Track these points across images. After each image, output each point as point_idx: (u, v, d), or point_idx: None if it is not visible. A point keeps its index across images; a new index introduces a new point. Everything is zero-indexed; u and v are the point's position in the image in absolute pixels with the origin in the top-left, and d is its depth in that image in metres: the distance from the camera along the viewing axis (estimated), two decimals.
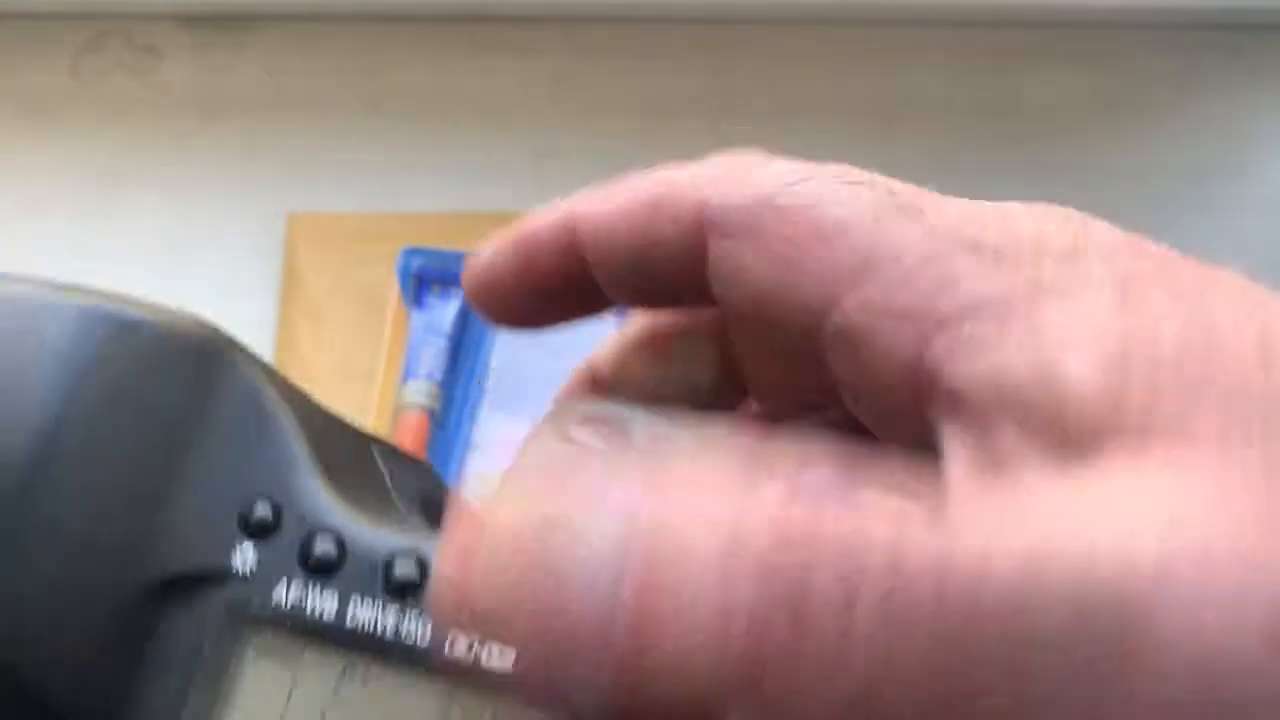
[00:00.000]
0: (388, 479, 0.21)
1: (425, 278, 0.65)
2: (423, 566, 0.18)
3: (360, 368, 0.63)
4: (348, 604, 0.18)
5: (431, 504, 0.21)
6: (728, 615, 0.11)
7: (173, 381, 0.19)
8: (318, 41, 0.74)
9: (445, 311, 0.64)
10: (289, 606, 0.18)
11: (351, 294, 0.65)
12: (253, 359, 0.20)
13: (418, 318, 0.64)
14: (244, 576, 0.18)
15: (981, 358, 0.13)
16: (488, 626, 0.12)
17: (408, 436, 0.60)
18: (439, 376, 0.62)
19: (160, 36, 0.74)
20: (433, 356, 0.62)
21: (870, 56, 0.74)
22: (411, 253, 0.65)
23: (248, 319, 0.64)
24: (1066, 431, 0.12)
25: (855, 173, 0.17)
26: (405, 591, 0.18)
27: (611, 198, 0.19)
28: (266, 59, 0.73)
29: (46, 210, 0.68)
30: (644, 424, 0.12)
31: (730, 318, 0.17)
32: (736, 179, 0.19)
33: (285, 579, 0.18)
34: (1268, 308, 0.14)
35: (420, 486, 0.21)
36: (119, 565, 0.18)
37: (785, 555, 0.11)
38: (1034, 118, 0.72)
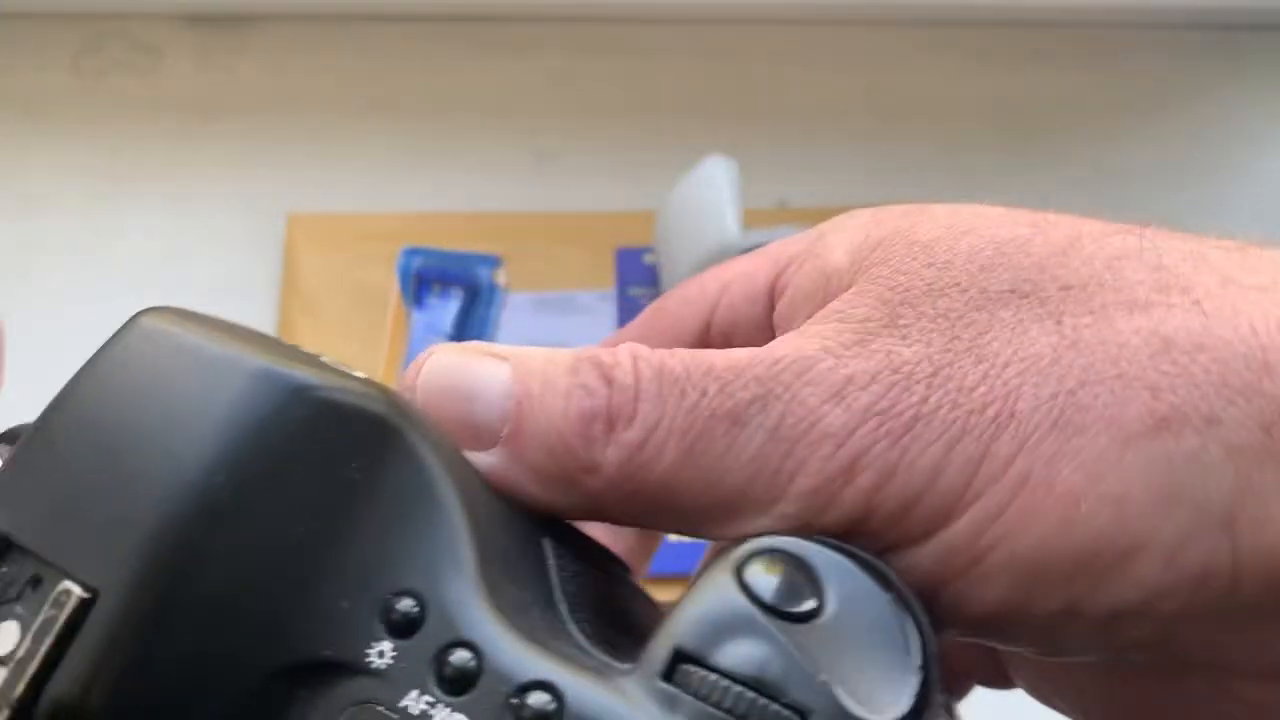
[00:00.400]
0: (555, 581, 0.19)
1: (425, 277, 0.65)
2: (558, 699, 0.16)
3: (360, 367, 0.62)
4: None
5: (605, 612, 0.19)
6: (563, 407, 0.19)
7: (340, 454, 0.18)
8: (318, 41, 0.74)
9: (445, 311, 0.64)
10: (415, 715, 0.17)
11: (351, 294, 0.65)
12: (430, 436, 0.19)
13: (418, 317, 0.64)
14: (377, 673, 0.17)
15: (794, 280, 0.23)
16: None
17: None
18: None
19: (160, 36, 0.74)
20: None
21: (870, 56, 0.74)
22: (411, 253, 0.65)
23: (248, 319, 0.64)
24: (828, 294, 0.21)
25: None
26: None
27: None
28: (266, 59, 0.73)
29: (46, 210, 0.68)
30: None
31: None
32: None
33: (417, 688, 0.17)
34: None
35: (596, 591, 0.20)
36: (257, 640, 0.17)
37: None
38: (1034, 118, 0.72)
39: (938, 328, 0.19)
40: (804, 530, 0.18)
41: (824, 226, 0.23)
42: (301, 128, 0.71)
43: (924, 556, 0.18)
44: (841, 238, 0.22)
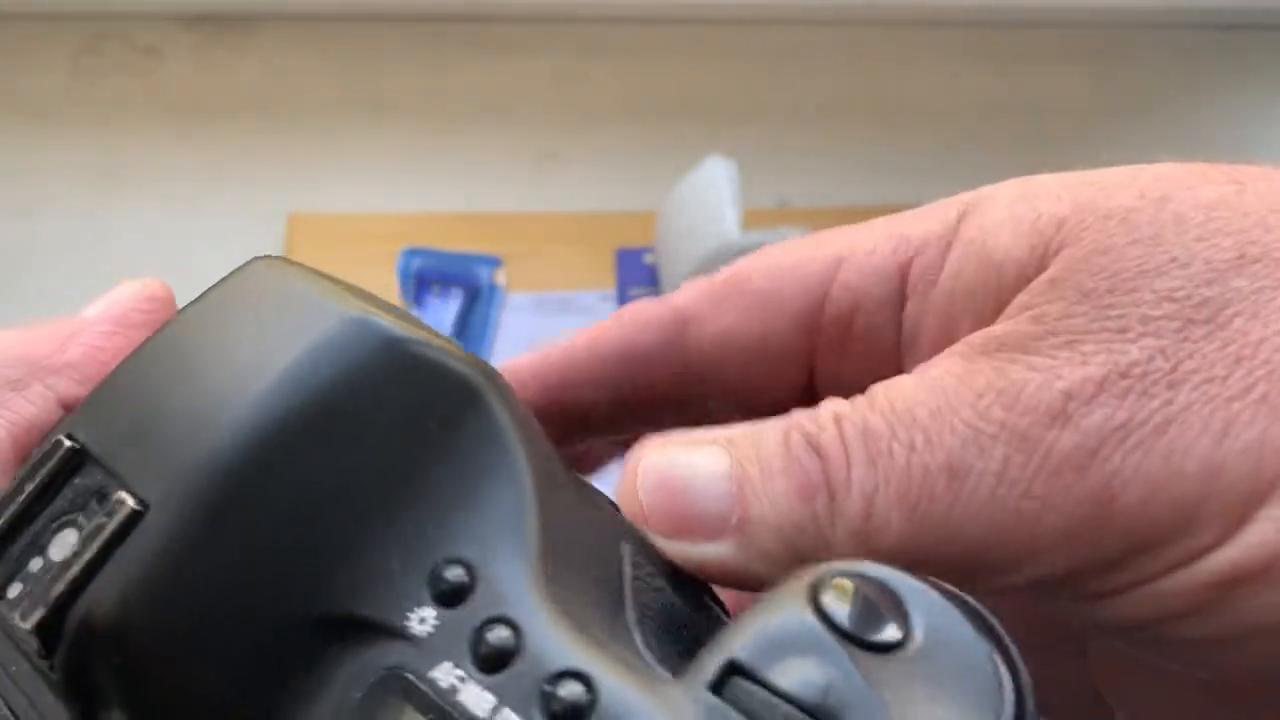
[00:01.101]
0: (628, 589, 0.18)
1: (425, 278, 0.65)
2: (593, 693, 0.15)
3: None
4: (498, 712, 0.16)
5: (676, 632, 0.18)
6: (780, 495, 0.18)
7: (421, 410, 0.18)
8: (318, 41, 0.74)
9: (445, 311, 0.64)
10: (444, 688, 0.16)
11: None
12: (516, 412, 0.18)
13: (418, 317, 0.64)
14: (414, 639, 0.17)
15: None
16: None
17: None
18: None
19: (160, 36, 0.74)
20: None
21: (870, 56, 0.74)
22: (411, 253, 0.65)
23: None
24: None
25: None
26: (559, 717, 0.16)
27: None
28: (266, 59, 0.73)
29: (46, 210, 0.68)
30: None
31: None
32: None
33: (451, 660, 0.16)
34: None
35: (673, 610, 0.19)
36: (299, 586, 0.17)
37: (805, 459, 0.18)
38: (1034, 118, 0.72)
39: (1165, 313, 0.17)
40: (1076, 578, 0.17)
41: (963, 202, 0.20)
42: (301, 128, 0.71)
43: (1221, 562, 0.16)
44: (1000, 216, 0.19)
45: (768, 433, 0.19)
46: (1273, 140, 0.72)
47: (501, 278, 0.65)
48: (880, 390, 0.18)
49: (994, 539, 0.17)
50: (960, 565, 0.17)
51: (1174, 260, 0.17)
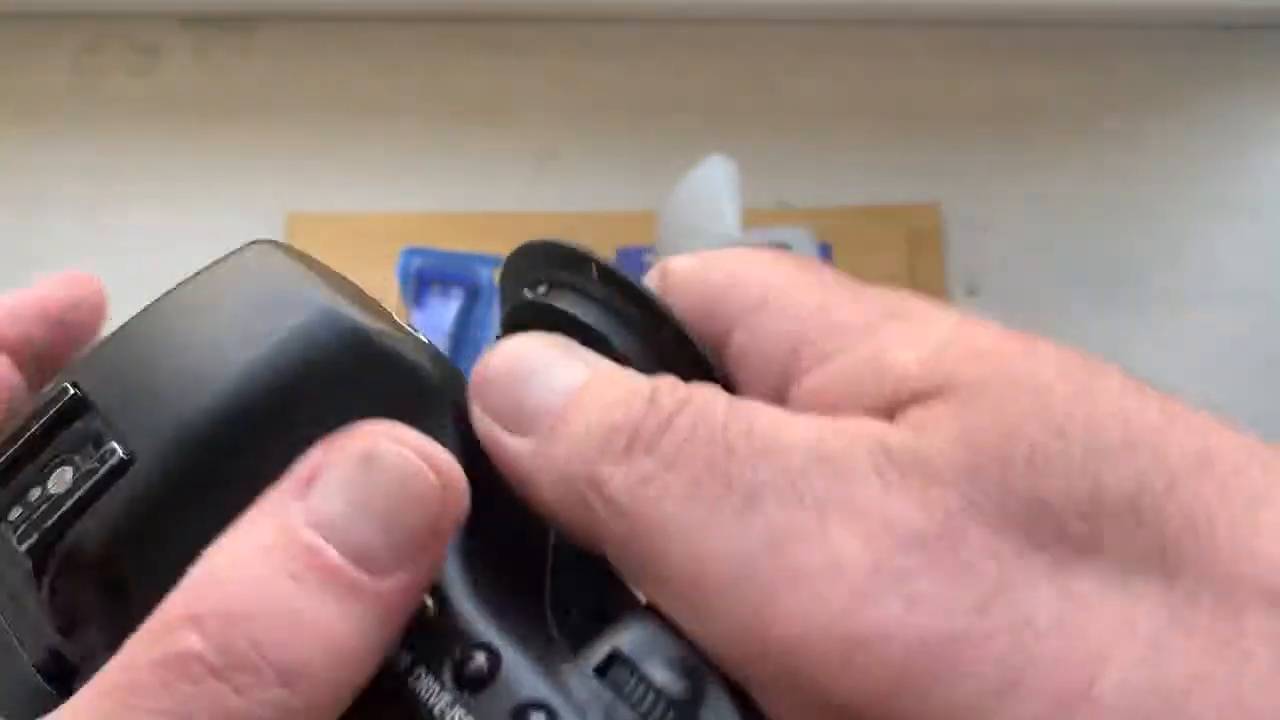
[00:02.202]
0: (549, 562, 0.20)
1: (425, 278, 0.65)
2: (496, 661, 0.18)
3: None
4: (414, 669, 0.18)
5: (593, 611, 0.19)
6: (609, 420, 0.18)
7: (375, 399, 0.19)
8: (318, 41, 0.74)
9: (445, 311, 0.64)
10: None
11: None
12: (464, 411, 0.20)
13: (418, 317, 0.64)
14: None
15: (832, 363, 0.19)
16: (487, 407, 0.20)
17: None
18: None
19: (160, 36, 0.74)
20: None
21: (870, 56, 0.74)
22: (411, 253, 0.65)
23: None
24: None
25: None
26: (464, 680, 0.18)
27: None
28: (266, 59, 0.73)
29: (46, 210, 0.68)
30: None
31: None
32: None
33: None
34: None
35: (594, 598, 0.20)
36: None
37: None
38: (1034, 118, 0.72)
39: (1018, 524, 0.15)
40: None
41: (882, 309, 0.19)
42: (301, 128, 0.71)
43: None
44: (909, 332, 0.18)
45: (633, 376, 0.19)
46: (1273, 140, 0.72)
47: None
48: (754, 401, 0.18)
49: (733, 588, 0.16)
50: (692, 583, 0.17)
51: (1064, 472, 0.16)
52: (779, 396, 0.19)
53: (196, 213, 0.68)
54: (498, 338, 0.21)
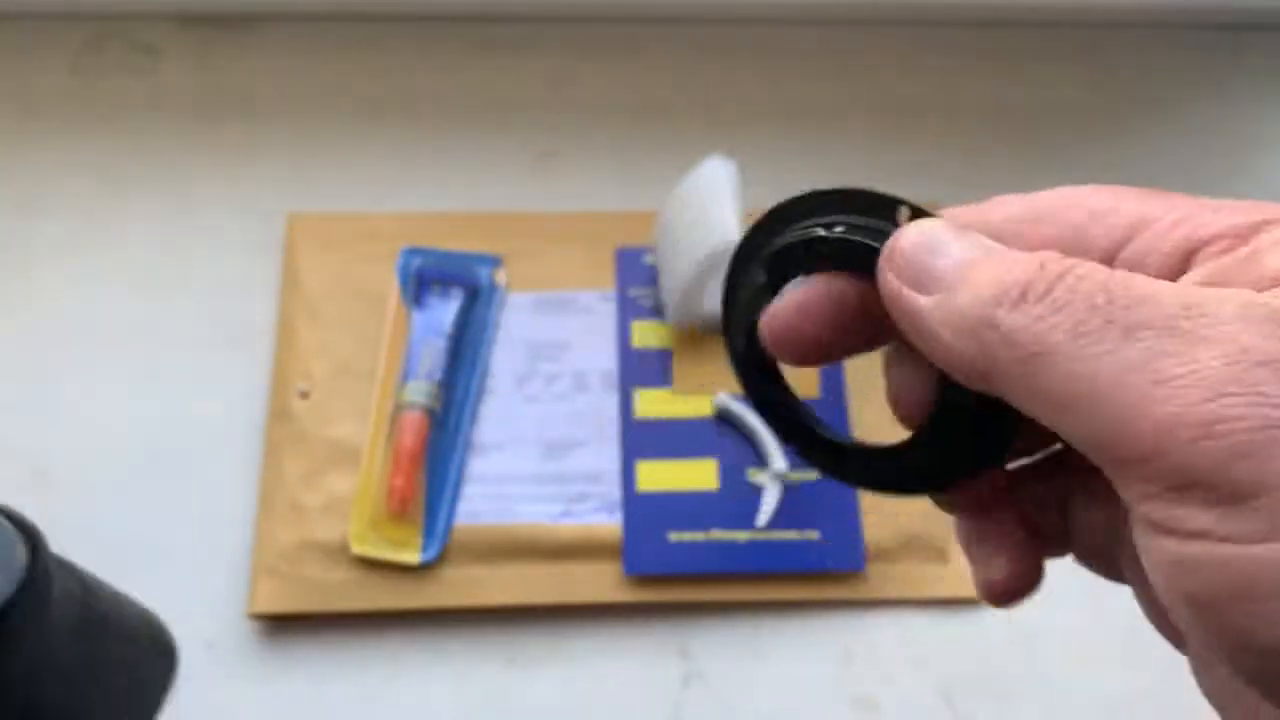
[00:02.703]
0: None
1: (425, 277, 0.65)
2: None
3: (360, 367, 0.63)
4: None
5: None
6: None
7: None
8: (318, 41, 0.74)
9: (445, 311, 0.64)
10: None
11: (351, 293, 0.65)
12: (44, 559, 0.27)
13: (418, 317, 0.64)
14: None
15: None
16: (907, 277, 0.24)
17: (408, 436, 0.60)
18: (439, 376, 0.62)
19: (160, 36, 0.74)
20: (433, 356, 0.62)
21: (870, 56, 0.74)
22: (411, 252, 0.65)
23: (248, 319, 0.64)
24: None
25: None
26: None
27: None
28: (266, 59, 0.73)
29: (46, 210, 0.68)
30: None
31: None
32: None
33: None
34: None
35: None
36: None
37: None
38: (1034, 118, 0.72)
39: None
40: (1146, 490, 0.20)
41: (1264, 212, 0.23)
42: (301, 128, 0.71)
43: (1259, 554, 0.19)
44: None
45: (1025, 254, 0.23)
46: (1273, 140, 0.72)
47: (501, 277, 0.65)
48: (1136, 275, 0.22)
49: (1115, 395, 0.20)
50: (1077, 397, 0.21)
51: None
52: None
53: (196, 213, 0.68)
54: (765, 277, 0.27)
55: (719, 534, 0.58)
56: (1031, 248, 0.24)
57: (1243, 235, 0.22)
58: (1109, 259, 0.24)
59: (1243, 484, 0.19)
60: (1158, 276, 0.23)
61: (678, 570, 0.58)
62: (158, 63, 0.73)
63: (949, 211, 0.27)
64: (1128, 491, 0.21)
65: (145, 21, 0.74)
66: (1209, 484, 0.19)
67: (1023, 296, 0.22)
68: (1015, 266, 0.22)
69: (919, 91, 0.73)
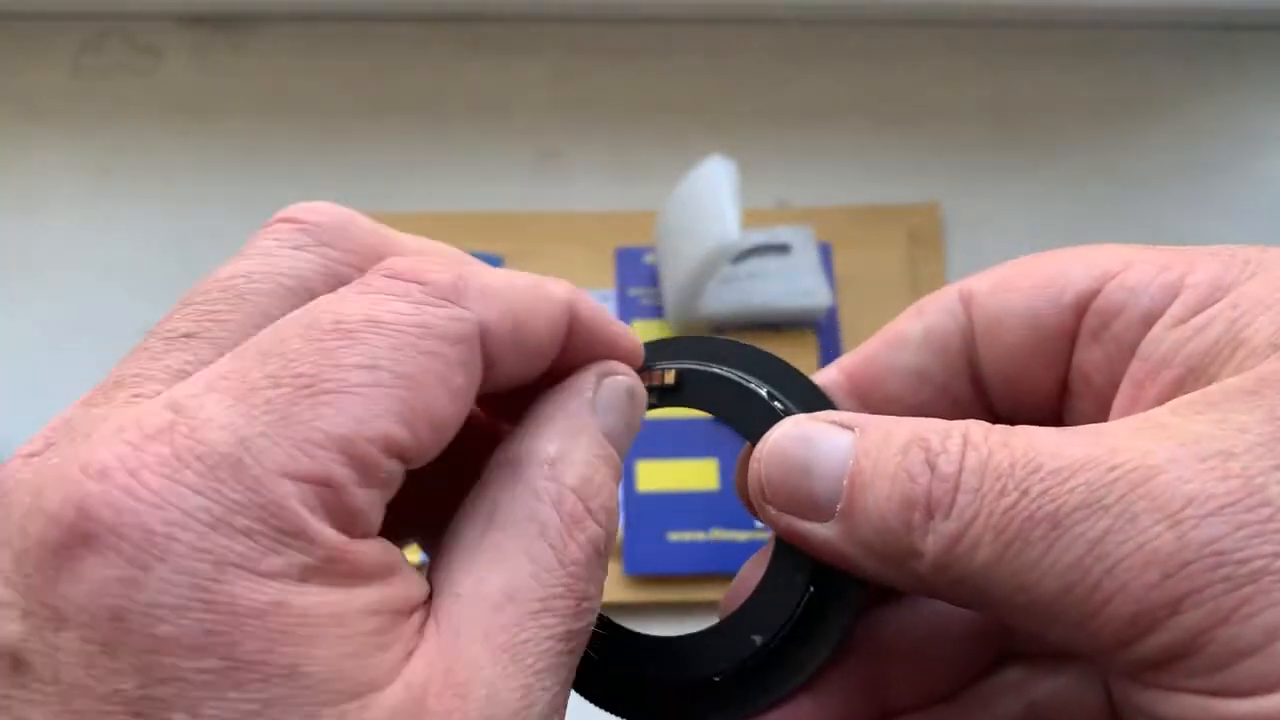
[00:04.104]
0: None
1: None
2: None
3: None
4: None
5: None
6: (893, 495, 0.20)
7: None
8: (318, 41, 0.74)
9: None
10: None
11: None
12: None
13: None
14: None
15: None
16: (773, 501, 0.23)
17: None
18: None
19: (160, 36, 0.74)
20: None
21: (870, 56, 0.74)
22: None
23: None
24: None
25: None
26: None
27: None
28: (266, 59, 0.73)
29: (46, 210, 0.68)
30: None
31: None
32: None
33: None
34: None
35: None
36: None
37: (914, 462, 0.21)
38: (1034, 118, 0.72)
39: None
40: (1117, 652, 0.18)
41: (1246, 260, 0.21)
42: (301, 128, 0.71)
43: (1242, 710, 0.17)
44: (1268, 295, 0.20)
45: (896, 433, 0.21)
46: (1273, 140, 0.72)
47: None
48: (1022, 431, 0.20)
49: (1066, 596, 0.18)
50: (1028, 603, 0.19)
51: None
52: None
53: (196, 213, 0.68)
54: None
55: (719, 534, 0.58)
56: (995, 306, 0.23)
57: (1211, 296, 0.21)
58: (1089, 296, 0.22)
59: (1223, 651, 0.17)
60: (1133, 326, 0.21)
61: (678, 570, 0.58)
62: (158, 63, 0.73)
63: (845, 362, 0.25)
64: (1109, 669, 0.19)
65: (145, 21, 0.74)
66: (1189, 655, 0.18)
67: (928, 514, 0.20)
68: (903, 471, 0.20)
69: (919, 91, 0.73)
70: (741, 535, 0.58)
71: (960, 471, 0.20)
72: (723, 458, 0.60)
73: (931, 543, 0.20)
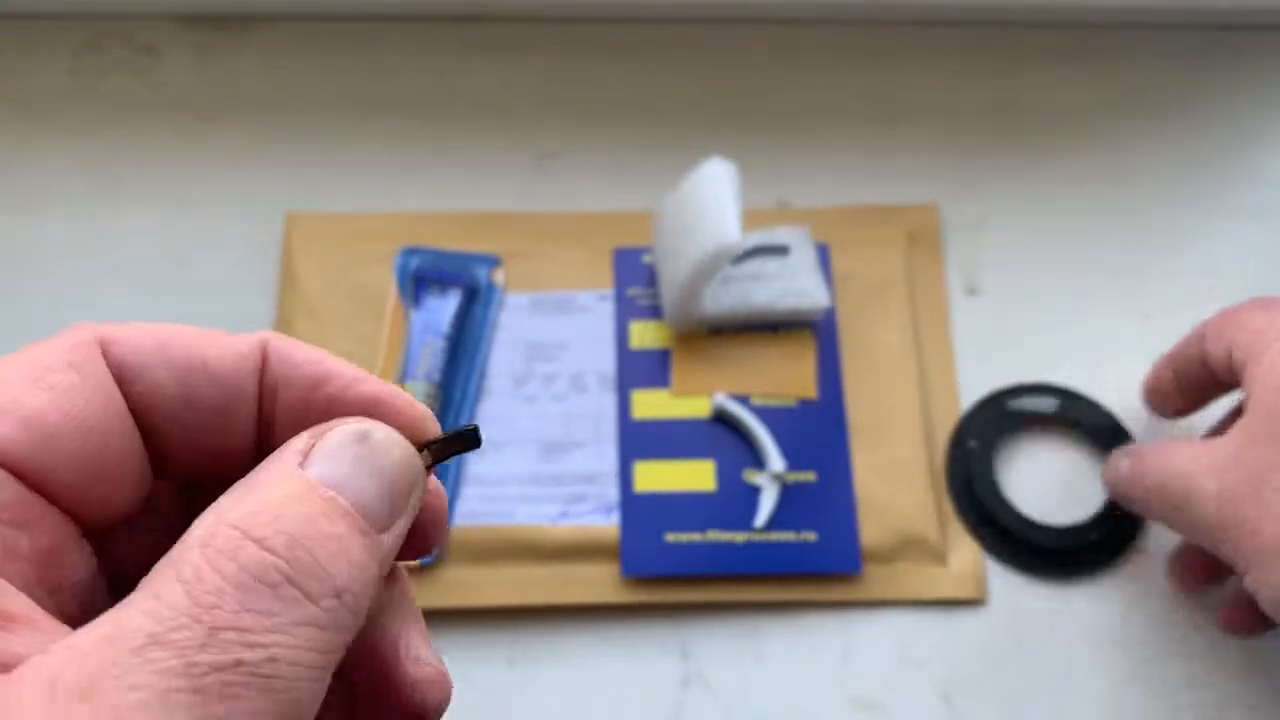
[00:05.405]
0: None
1: (424, 277, 0.65)
2: None
3: (359, 366, 0.62)
4: None
5: None
6: None
7: None
8: (318, 41, 0.74)
9: (444, 311, 0.64)
10: None
11: (350, 293, 0.65)
12: None
13: (416, 317, 0.64)
14: None
15: None
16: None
17: None
18: (437, 376, 0.62)
19: (160, 36, 0.74)
20: (431, 356, 0.62)
21: (870, 56, 0.74)
22: (410, 252, 0.65)
23: (246, 318, 0.64)
24: None
25: None
26: None
27: None
28: (266, 59, 0.73)
29: (46, 210, 0.68)
30: None
31: None
32: None
33: None
34: None
35: None
36: None
37: None
38: (1034, 118, 0.72)
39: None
40: None
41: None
42: (301, 128, 0.71)
43: None
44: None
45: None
46: (1273, 140, 0.72)
47: (500, 277, 0.65)
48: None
49: None
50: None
51: None
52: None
53: (195, 213, 0.68)
54: None
55: (716, 535, 0.58)
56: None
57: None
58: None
59: None
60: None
61: (675, 571, 0.58)
62: (158, 63, 0.73)
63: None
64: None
65: (145, 21, 0.74)
66: None
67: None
68: None
69: (919, 91, 0.73)
70: (739, 536, 0.58)
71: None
72: (720, 459, 0.60)
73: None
